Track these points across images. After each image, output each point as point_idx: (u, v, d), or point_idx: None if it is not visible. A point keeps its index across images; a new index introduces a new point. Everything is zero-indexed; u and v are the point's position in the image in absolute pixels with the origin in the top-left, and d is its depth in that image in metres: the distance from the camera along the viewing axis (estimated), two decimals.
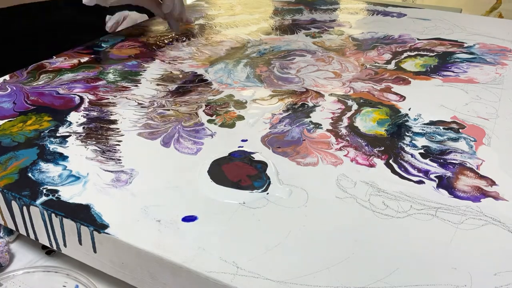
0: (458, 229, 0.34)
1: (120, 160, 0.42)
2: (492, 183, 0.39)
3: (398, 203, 0.37)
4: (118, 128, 0.47)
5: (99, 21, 0.84)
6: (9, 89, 0.55)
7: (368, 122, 0.49)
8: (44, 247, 0.41)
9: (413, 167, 0.41)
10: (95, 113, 0.50)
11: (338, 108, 0.52)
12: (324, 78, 0.60)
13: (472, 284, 0.30)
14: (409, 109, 0.51)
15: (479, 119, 0.50)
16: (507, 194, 0.38)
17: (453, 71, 0.62)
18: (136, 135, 0.46)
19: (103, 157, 0.42)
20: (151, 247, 0.32)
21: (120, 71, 0.60)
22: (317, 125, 0.48)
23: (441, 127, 0.48)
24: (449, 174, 0.41)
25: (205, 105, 0.52)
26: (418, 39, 0.74)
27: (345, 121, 0.49)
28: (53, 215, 0.35)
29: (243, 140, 0.45)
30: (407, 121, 0.49)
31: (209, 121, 0.49)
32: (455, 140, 0.46)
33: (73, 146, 0.44)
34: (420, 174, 0.40)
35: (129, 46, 0.70)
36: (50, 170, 0.40)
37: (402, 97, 0.54)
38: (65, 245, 0.37)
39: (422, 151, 0.44)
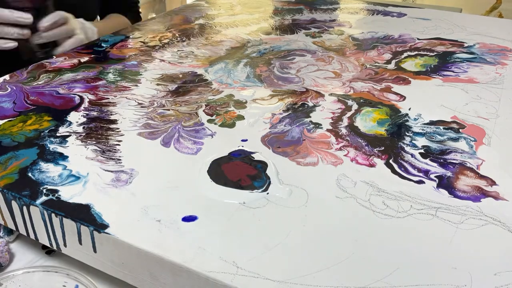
0: (458, 229, 0.34)
1: (120, 160, 0.42)
2: (492, 183, 0.39)
3: (398, 203, 0.37)
4: (118, 128, 0.47)
5: None
6: (9, 89, 0.55)
7: (368, 122, 0.49)
8: (44, 247, 0.41)
9: (413, 167, 0.41)
10: (95, 113, 0.50)
11: (338, 108, 0.52)
12: (324, 78, 0.60)
13: (472, 284, 0.30)
14: (409, 109, 0.51)
15: (479, 119, 0.50)
16: (507, 194, 0.38)
17: (453, 71, 0.62)
18: (136, 135, 0.46)
19: (103, 157, 0.42)
20: (151, 247, 0.32)
21: (120, 71, 0.60)
22: (317, 125, 0.48)
23: (441, 127, 0.48)
24: (449, 174, 0.40)
25: (205, 105, 0.52)
26: (418, 39, 0.74)
27: (345, 121, 0.49)
28: (53, 215, 0.35)
29: (243, 140, 0.45)
30: (407, 121, 0.49)
31: (209, 121, 0.48)
32: (455, 140, 0.46)
33: (73, 146, 0.44)
34: (420, 174, 0.40)
35: (129, 46, 0.70)
36: (50, 170, 0.40)
37: (402, 97, 0.54)
38: (65, 245, 0.37)
39: (422, 151, 0.44)
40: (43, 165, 0.41)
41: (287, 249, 0.32)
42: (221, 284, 0.30)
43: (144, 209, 0.36)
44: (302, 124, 0.48)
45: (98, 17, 0.91)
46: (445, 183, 0.39)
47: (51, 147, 0.43)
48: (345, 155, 0.43)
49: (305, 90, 0.56)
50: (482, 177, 0.40)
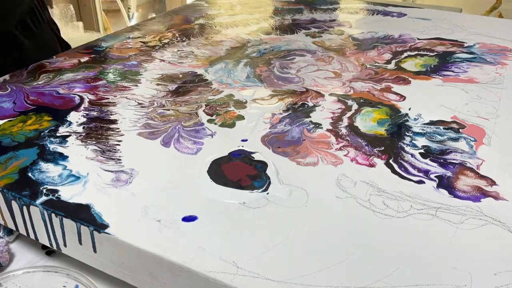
0: (458, 229, 0.34)
1: (120, 160, 0.42)
2: (492, 183, 0.39)
3: (398, 203, 0.37)
4: (118, 128, 0.47)
5: None
6: (9, 89, 0.55)
7: (368, 122, 0.49)
8: (44, 247, 0.41)
9: (413, 167, 0.41)
10: (95, 113, 0.50)
11: (338, 108, 0.52)
12: (324, 78, 0.60)
13: (472, 284, 0.30)
14: (409, 109, 0.51)
15: (479, 119, 0.50)
16: (507, 194, 0.38)
17: (453, 71, 0.62)
18: (136, 135, 0.46)
19: (103, 157, 0.42)
20: (151, 247, 0.32)
21: (120, 70, 0.60)
22: (317, 125, 0.48)
23: (441, 127, 0.48)
24: (449, 174, 0.40)
25: (205, 105, 0.52)
26: (418, 39, 0.74)
27: (345, 121, 0.49)
28: (53, 215, 0.35)
29: (243, 140, 0.45)
30: (407, 121, 0.49)
31: (209, 121, 0.48)
32: (455, 140, 0.46)
33: (73, 146, 0.44)
34: (420, 174, 0.40)
35: (129, 46, 0.70)
36: (50, 170, 0.40)
37: (402, 97, 0.54)
38: (65, 245, 0.37)
39: (422, 151, 0.44)
40: (43, 165, 0.41)
41: (287, 249, 0.32)
42: (221, 284, 0.30)
43: (144, 209, 0.36)
44: (302, 124, 0.48)
45: None
46: (445, 183, 0.39)
47: (51, 147, 0.43)
48: (345, 155, 0.43)
49: (305, 90, 0.56)
50: (482, 177, 0.40)
